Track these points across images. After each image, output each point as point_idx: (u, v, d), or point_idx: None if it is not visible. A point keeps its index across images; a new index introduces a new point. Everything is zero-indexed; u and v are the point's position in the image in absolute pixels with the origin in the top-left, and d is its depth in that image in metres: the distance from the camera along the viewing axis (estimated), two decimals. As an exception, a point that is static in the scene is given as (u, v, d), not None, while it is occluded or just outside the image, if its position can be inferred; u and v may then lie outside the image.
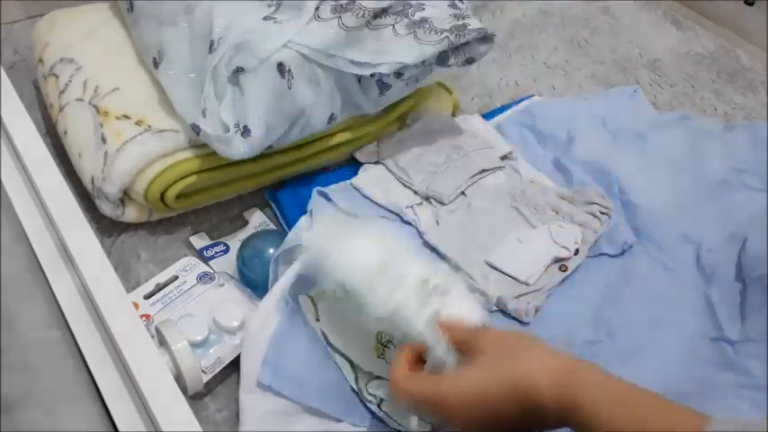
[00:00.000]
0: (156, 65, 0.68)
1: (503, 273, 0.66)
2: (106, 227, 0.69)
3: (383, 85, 0.69)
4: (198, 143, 0.65)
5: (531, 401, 0.44)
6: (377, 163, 0.75)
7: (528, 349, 0.47)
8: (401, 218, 0.71)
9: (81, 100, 0.68)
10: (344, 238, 0.55)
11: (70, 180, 0.66)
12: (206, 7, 0.64)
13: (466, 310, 0.54)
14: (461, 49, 0.66)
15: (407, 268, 0.54)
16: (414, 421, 0.54)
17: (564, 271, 0.67)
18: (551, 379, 0.44)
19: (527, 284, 0.65)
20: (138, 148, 0.63)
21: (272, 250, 0.64)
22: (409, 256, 0.55)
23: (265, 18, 0.63)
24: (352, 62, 0.64)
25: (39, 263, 0.54)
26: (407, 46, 0.65)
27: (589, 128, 0.83)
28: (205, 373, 0.56)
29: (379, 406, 0.56)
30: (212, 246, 0.69)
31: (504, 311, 0.64)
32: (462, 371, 0.48)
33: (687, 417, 0.41)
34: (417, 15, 0.66)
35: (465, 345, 0.49)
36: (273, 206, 0.73)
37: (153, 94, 0.69)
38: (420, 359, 0.50)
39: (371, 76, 0.66)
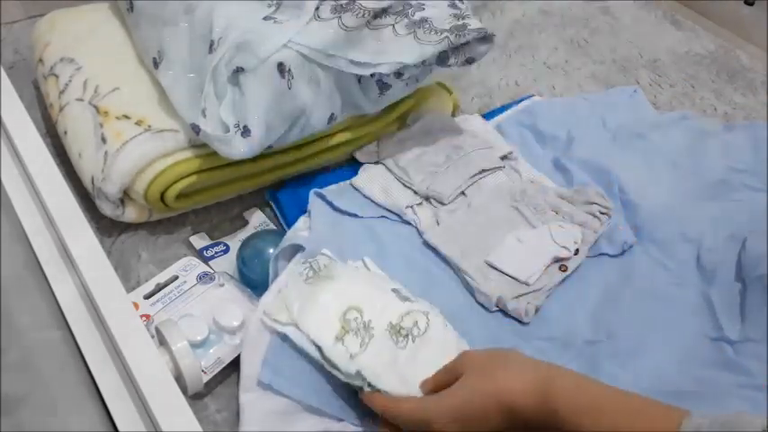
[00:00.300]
0: (156, 65, 0.68)
1: (503, 273, 0.66)
2: (106, 227, 0.69)
3: (383, 85, 0.69)
4: (198, 143, 0.65)
5: (514, 413, 0.46)
6: (377, 163, 0.75)
7: (505, 363, 0.49)
8: (401, 218, 0.71)
9: (81, 100, 0.68)
10: (310, 298, 0.58)
11: (70, 180, 0.66)
12: (206, 7, 0.64)
13: (443, 349, 0.56)
14: (461, 49, 0.66)
15: (377, 316, 0.57)
16: None
17: (564, 271, 0.67)
18: (530, 390, 0.46)
19: (527, 284, 0.65)
20: (138, 148, 0.63)
21: (271, 250, 0.64)
22: (379, 302, 0.58)
23: (265, 18, 0.63)
24: (352, 62, 0.64)
25: (39, 263, 0.54)
26: (407, 46, 0.65)
27: (589, 128, 0.83)
28: (205, 373, 0.56)
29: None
30: (212, 246, 0.69)
31: (504, 311, 0.64)
32: (445, 391, 0.50)
33: (665, 416, 0.42)
34: (417, 15, 0.66)
35: (448, 380, 0.51)
36: (273, 206, 0.73)
37: (153, 94, 0.69)
38: None
39: (371, 76, 0.66)
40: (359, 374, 0.54)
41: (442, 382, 0.52)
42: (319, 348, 0.55)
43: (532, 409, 0.45)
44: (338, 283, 0.59)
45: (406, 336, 0.56)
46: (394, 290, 0.60)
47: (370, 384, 0.54)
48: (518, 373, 0.48)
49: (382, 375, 0.54)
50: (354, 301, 0.58)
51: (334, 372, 0.55)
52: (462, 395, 0.49)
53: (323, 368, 0.56)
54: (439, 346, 0.56)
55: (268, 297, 0.60)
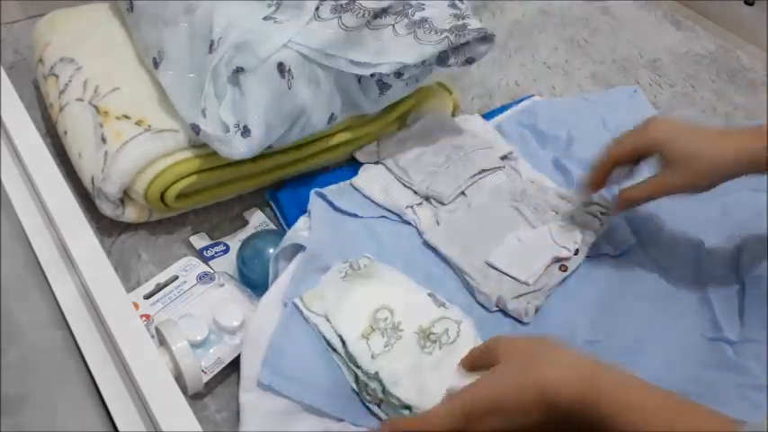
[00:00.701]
0: (156, 65, 0.68)
1: (503, 273, 0.66)
2: (106, 227, 0.69)
3: (383, 85, 0.69)
4: (198, 143, 0.65)
5: (554, 408, 0.44)
6: (377, 163, 0.75)
7: (547, 355, 0.47)
8: (401, 218, 0.71)
9: (81, 100, 0.68)
10: (344, 293, 0.59)
11: (70, 180, 0.66)
12: (206, 7, 0.64)
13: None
14: (461, 49, 0.66)
15: (408, 319, 0.58)
16: None
17: (564, 271, 0.67)
18: (574, 384, 0.44)
19: (527, 284, 0.65)
20: (138, 148, 0.63)
21: (271, 250, 0.64)
22: (413, 304, 0.59)
23: (265, 18, 0.63)
24: (352, 62, 0.64)
25: (39, 263, 0.54)
26: (407, 46, 0.65)
27: (589, 128, 0.83)
28: (205, 373, 0.56)
29: (378, 406, 0.56)
30: (212, 246, 0.69)
31: (504, 311, 0.64)
32: (480, 381, 0.48)
33: (714, 421, 0.40)
34: (417, 15, 0.66)
35: (482, 362, 0.50)
36: (273, 206, 0.73)
37: (153, 94, 0.69)
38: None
39: (371, 76, 0.66)
40: (377, 376, 0.54)
41: (477, 361, 0.51)
42: (344, 343, 0.56)
43: (574, 403, 0.43)
44: (374, 281, 0.60)
45: (435, 342, 0.57)
46: (430, 294, 0.60)
47: (384, 390, 0.54)
48: (561, 366, 0.45)
49: (399, 382, 0.54)
50: (387, 300, 0.59)
51: (355, 369, 0.55)
52: (501, 386, 0.46)
53: (323, 368, 0.56)
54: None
55: (268, 297, 0.60)
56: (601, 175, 0.64)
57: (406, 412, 0.54)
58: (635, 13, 1.11)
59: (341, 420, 0.55)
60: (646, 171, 0.64)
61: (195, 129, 0.62)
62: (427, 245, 0.69)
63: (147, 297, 0.62)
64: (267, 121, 0.62)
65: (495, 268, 0.66)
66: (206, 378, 0.56)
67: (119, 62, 0.73)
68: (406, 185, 0.73)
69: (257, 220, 0.72)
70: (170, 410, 0.45)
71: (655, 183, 0.60)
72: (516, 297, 0.64)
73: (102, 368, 0.49)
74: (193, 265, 0.65)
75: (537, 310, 0.64)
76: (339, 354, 0.57)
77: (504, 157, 0.77)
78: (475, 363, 0.52)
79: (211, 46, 0.62)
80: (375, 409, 0.56)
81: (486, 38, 0.67)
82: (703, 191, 0.60)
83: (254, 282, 0.64)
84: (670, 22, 1.10)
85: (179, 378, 0.53)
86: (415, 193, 0.72)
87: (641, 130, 0.60)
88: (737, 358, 0.60)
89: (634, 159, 0.63)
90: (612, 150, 0.62)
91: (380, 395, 0.55)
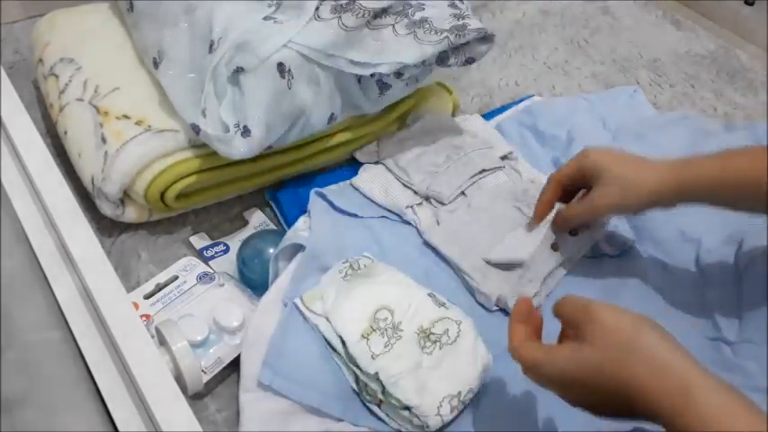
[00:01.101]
0: (156, 65, 0.68)
1: (499, 264, 0.65)
2: (106, 227, 0.69)
3: (383, 85, 0.69)
4: (198, 143, 0.65)
5: (639, 406, 0.43)
6: (377, 163, 0.75)
7: (642, 354, 0.43)
8: (401, 218, 0.71)
9: (81, 100, 0.68)
10: (344, 293, 0.59)
11: (70, 180, 0.66)
12: (206, 7, 0.64)
13: (468, 361, 0.56)
14: (461, 49, 0.66)
15: (408, 319, 0.58)
16: None
17: (556, 250, 0.67)
18: (663, 401, 0.41)
19: (521, 263, 0.64)
20: (138, 148, 0.63)
21: (271, 250, 0.64)
22: (413, 305, 0.59)
23: (265, 18, 0.63)
24: (352, 62, 0.64)
25: (39, 263, 0.54)
26: (407, 46, 0.65)
27: (589, 128, 0.83)
28: (205, 373, 0.56)
29: (378, 406, 0.56)
30: (212, 246, 0.69)
31: (504, 311, 0.64)
32: (562, 353, 0.46)
33: None
34: (417, 15, 0.66)
35: (574, 323, 0.47)
36: (273, 206, 0.73)
37: (153, 94, 0.69)
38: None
39: (371, 76, 0.66)
40: (377, 377, 0.54)
41: (569, 314, 0.49)
42: (344, 343, 0.56)
43: (661, 416, 0.41)
44: (374, 282, 0.60)
45: (435, 342, 0.57)
46: (430, 294, 0.60)
47: (384, 390, 0.54)
48: (656, 373, 0.42)
49: (399, 382, 0.54)
50: (387, 301, 0.59)
51: (355, 369, 0.55)
52: (583, 368, 0.45)
53: (323, 368, 0.56)
54: (465, 357, 0.57)
55: (268, 297, 0.60)
56: (545, 204, 0.67)
57: (406, 413, 0.54)
58: (635, 13, 1.11)
59: (341, 420, 0.55)
60: None
61: (195, 129, 0.62)
62: (427, 245, 0.69)
63: (147, 297, 0.62)
64: (267, 121, 0.62)
65: (492, 263, 0.66)
66: (206, 378, 0.56)
67: (119, 62, 0.73)
68: (406, 185, 0.73)
69: (257, 220, 0.72)
70: (170, 410, 0.45)
71: (588, 202, 0.63)
72: (516, 297, 0.64)
73: (102, 368, 0.49)
74: (193, 265, 0.65)
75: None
76: (339, 354, 0.57)
77: (504, 157, 0.77)
78: (568, 317, 0.49)
79: (211, 46, 0.62)
80: (375, 409, 0.56)
81: (486, 38, 0.67)
82: (631, 213, 0.66)
83: (254, 282, 0.64)
84: (670, 22, 1.10)
85: (179, 378, 0.53)
86: (415, 193, 0.72)
87: (579, 156, 0.64)
88: (736, 359, 0.60)
89: (572, 188, 0.66)
90: (554, 176, 0.66)
91: (380, 396, 0.55)
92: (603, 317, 0.46)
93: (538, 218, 0.67)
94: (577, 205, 0.65)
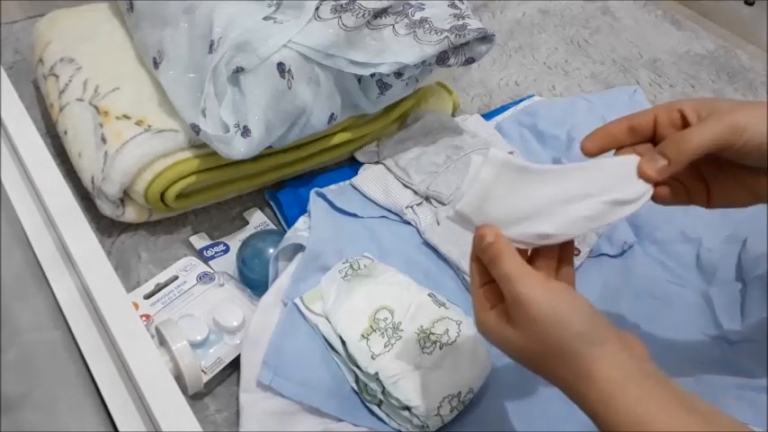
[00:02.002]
0: (156, 65, 0.68)
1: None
2: (106, 227, 0.69)
3: (383, 85, 0.69)
4: (198, 143, 0.65)
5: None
6: (377, 163, 0.75)
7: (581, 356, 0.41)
8: (401, 218, 0.71)
9: (81, 100, 0.68)
10: (344, 293, 0.59)
11: (70, 180, 0.66)
12: (206, 7, 0.64)
13: (468, 361, 0.56)
14: (461, 49, 0.66)
15: (408, 319, 0.58)
16: None
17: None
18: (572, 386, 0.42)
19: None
20: (138, 148, 0.63)
21: (271, 250, 0.64)
22: (413, 305, 0.59)
23: (265, 18, 0.63)
24: (352, 62, 0.64)
25: (39, 263, 0.54)
26: (407, 46, 0.65)
27: (589, 128, 0.82)
28: (205, 373, 0.56)
29: (379, 406, 0.56)
30: (212, 246, 0.69)
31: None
32: (507, 329, 0.43)
33: None
34: (417, 15, 0.66)
35: (503, 288, 0.43)
36: (273, 206, 0.73)
37: (153, 94, 0.69)
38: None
39: (371, 76, 0.66)
40: (376, 376, 0.54)
41: (501, 274, 0.43)
42: (344, 343, 0.56)
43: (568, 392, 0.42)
44: (374, 282, 0.60)
45: (435, 342, 0.57)
46: (430, 294, 0.60)
47: (384, 391, 0.54)
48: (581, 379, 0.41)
49: (399, 383, 0.54)
50: (388, 301, 0.59)
51: (355, 369, 0.55)
52: (514, 349, 0.43)
53: (323, 368, 0.56)
54: (465, 357, 0.57)
55: (268, 297, 0.60)
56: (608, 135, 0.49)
57: (406, 413, 0.54)
58: (635, 13, 1.11)
59: (341, 420, 0.55)
60: None
61: (195, 129, 0.62)
62: (427, 245, 0.69)
63: (147, 297, 0.62)
64: (267, 121, 0.62)
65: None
66: (206, 378, 0.56)
67: (119, 62, 0.73)
68: (406, 185, 0.73)
69: (257, 220, 0.72)
70: (170, 410, 0.45)
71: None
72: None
73: (102, 368, 0.49)
74: (193, 265, 0.65)
75: (537, 310, 0.64)
76: (339, 354, 0.57)
77: (504, 157, 0.77)
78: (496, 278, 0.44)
79: (211, 46, 0.62)
80: (375, 409, 0.56)
81: (486, 38, 0.67)
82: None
83: (254, 282, 0.64)
84: (670, 22, 1.10)
85: (179, 378, 0.53)
86: (415, 193, 0.72)
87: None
88: (738, 358, 0.60)
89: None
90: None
91: (380, 396, 0.55)
92: (539, 313, 0.42)
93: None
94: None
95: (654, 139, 0.47)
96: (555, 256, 0.46)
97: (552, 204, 0.44)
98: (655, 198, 0.46)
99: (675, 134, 0.44)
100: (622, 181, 0.45)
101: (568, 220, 0.44)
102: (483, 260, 0.44)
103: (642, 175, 0.45)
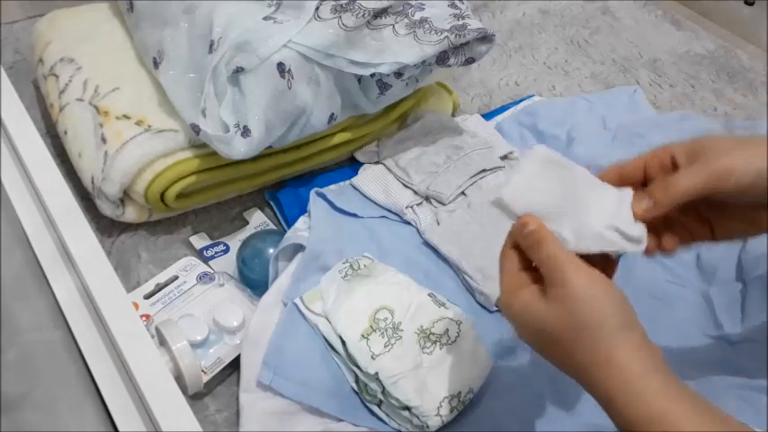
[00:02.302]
0: (156, 65, 0.68)
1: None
2: (106, 227, 0.69)
3: (383, 85, 0.69)
4: (198, 143, 0.65)
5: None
6: (377, 163, 0.75)
7: (609, 339, 0.42)
8: (401, 218, 0.71)
9: (81, 100, 0.68)
10: (344, 293, 0.59)
11: (70, 180, 0.66)
12: (206, 7, 0.64)
13: (469, 361, 0.57)
14: (461, 49, 0.66)
15: (408, 319, 0.57)
16: None
17: None
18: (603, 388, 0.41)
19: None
20: (138, 148, 0.63)
21: (271, 250, 0.64)
22: (413, 305, 0.58)
23: (265, 18, 0.63)
24: (351, 62, 0.64)
25: (39, 263, 0.54)
26: (407, 46, 0.65)
27: (589, 128, 0.83)
28: (205, 373, 0.56)
29: (379, 406, 0.56)
30: (212, 246, 0.69)
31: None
32: (540, 304, 0.43)
33: None
34: (417, 15, 0.66)
35: (544, 272, 0.44)
36: (273, 206, 0.73)
37: (153, 94, 0.69)
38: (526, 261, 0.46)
39: (371, 76, 0.66)
40: (376, 376, 0.54)
41: (540, 260, 0.44)
42: (344, 343, 0.56)
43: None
44: (374, 282, 0.60)
45: (435, 342, 0.57)
46: (430, 294, 0.60)
47: (384, 391, 0.54)
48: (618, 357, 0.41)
49: (399, 382, 0.54)
50: (388, 301, 0.59)
51: (355, 369, 0.55)
52: (550, 322, 0.43)
53: (323, 368, 0.56)
54: (465, 357, 0.57)
55: (268, 297, 0.60)
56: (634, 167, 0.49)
57: (406, 413, 0.54)
58: (635, 13, 1.11)
59: (341, 420, 0.55)
60: None
61: (195, 129, 0.62)
62: (427, 245, 0.69)
63: (147, 297, 0.62)
64: (267, 121, 0.62)
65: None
66: (206, 378, 0.56)
67: (119, 62, 0.73)
68: (406, 185, 0.73)
69: (257, 220, 0.72)
70: (170, 410, 0.45)
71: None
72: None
73: (102, 368, 0.49)
74: (193, 265, 0.65)
75: (537, 310, 0.64)
76: (339, 354, 0.57)
77: (504, 157, 0.77)
78: (539, 261, 0.45)
79: (211, 46, 0.62)
80: (375, 409, 0.56)
81: (486, 38, 0.67)
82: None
83: (254, 282, 0.64)
84: (670, 22, 1.10)
85: (179, 378, 0.53)
86: (415, 193, 0.72)
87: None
88: (738, 358, 0.60)
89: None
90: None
91: (380, 396, 0.55)
92: (570, 283, 0.43)
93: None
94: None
95: (645, 183, 0.49)
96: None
97: (576, 212, 0.45)
98: (664, 251, 0.49)
99: (665, 178, 0.46)
100: (627, 212, 0.46)
101: (583, 231, 0.45)
102: (523, 246, 0.45)
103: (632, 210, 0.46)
